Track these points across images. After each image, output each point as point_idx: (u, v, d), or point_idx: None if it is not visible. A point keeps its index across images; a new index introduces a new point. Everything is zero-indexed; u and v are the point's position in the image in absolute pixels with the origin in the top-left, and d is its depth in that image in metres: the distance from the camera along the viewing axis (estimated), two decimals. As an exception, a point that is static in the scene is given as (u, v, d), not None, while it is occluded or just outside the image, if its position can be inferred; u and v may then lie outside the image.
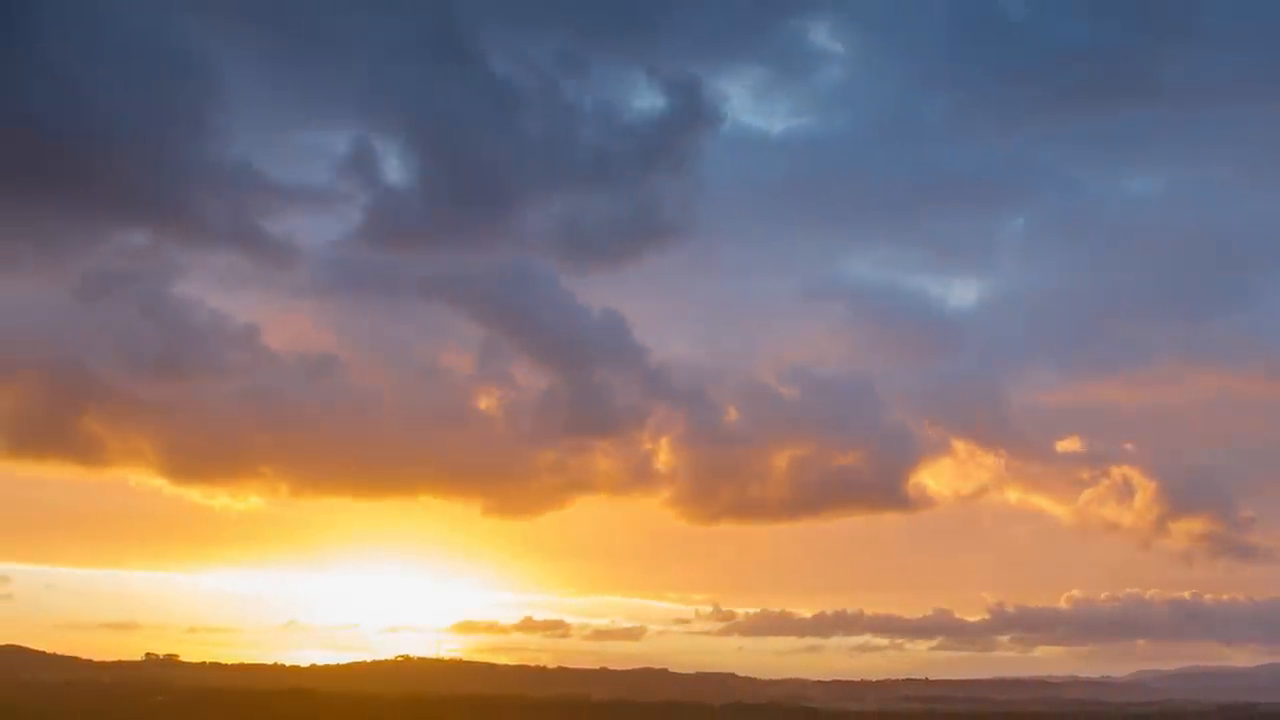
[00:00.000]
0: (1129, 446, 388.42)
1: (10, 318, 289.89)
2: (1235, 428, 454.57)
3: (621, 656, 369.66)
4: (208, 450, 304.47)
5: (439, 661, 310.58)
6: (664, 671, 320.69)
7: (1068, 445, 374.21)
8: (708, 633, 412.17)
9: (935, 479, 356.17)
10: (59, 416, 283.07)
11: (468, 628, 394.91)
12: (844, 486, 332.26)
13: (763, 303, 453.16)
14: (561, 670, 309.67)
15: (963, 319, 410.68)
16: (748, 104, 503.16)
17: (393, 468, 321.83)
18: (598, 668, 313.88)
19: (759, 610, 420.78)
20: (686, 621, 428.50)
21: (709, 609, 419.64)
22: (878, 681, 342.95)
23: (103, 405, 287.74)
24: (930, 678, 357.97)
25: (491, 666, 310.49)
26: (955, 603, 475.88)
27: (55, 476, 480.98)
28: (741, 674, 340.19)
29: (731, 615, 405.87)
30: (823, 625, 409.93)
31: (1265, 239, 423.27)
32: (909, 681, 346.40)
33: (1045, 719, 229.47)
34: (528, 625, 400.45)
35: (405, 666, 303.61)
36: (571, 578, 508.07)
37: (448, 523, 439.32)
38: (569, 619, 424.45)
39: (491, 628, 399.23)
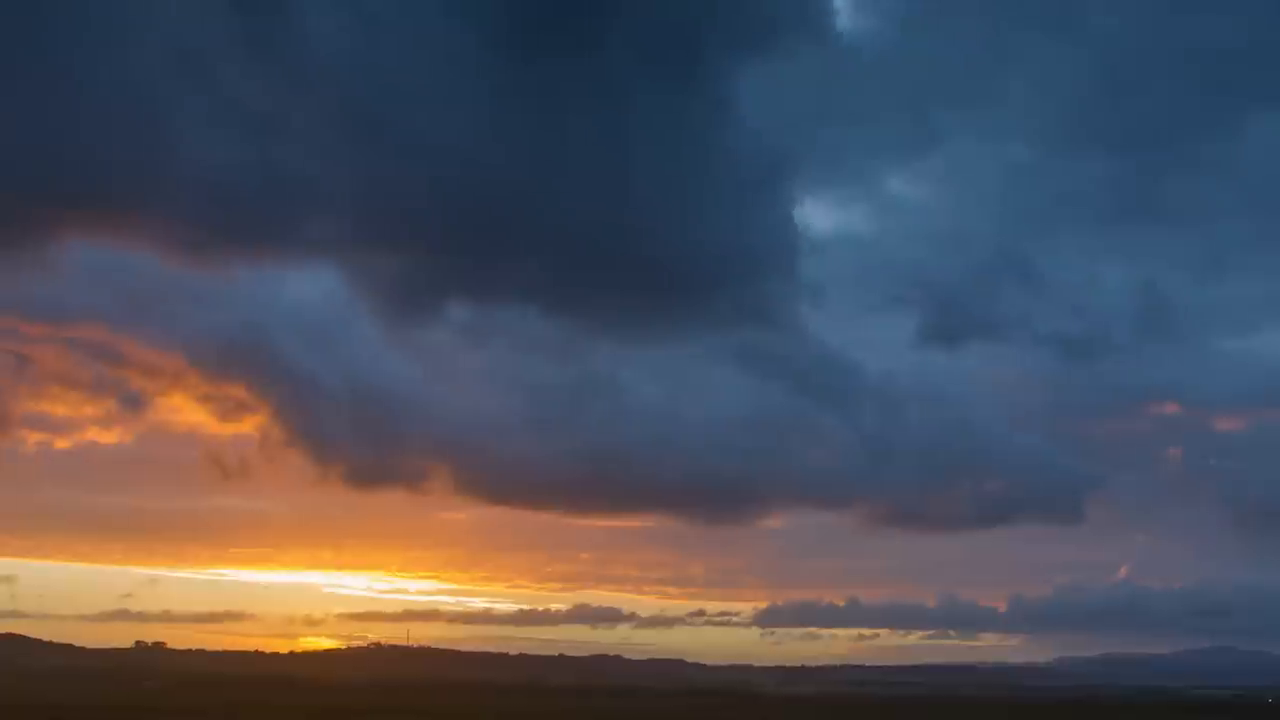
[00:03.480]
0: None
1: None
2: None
3: (627, 648, 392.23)
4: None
5: (407, 649, 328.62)
6: (618, 658, 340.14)
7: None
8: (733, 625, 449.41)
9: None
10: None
11: (524, 616, 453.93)
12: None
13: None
14: (523, 657, 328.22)
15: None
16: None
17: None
18: (556, 655, 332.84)
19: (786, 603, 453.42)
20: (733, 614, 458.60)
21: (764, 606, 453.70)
22: (818, 668, 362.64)
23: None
24: (866, 664, 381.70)
25: (457, 653, 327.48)
26: (972, 595, 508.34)
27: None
28: (690, 660, 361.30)
29: (762, 610, 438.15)
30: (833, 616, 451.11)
31: (1211, 316, 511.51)
32: (847, 668, 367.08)
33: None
34: (580, 614, 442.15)
35: (376, 653, 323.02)
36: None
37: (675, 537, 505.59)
38: (624, 611, 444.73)
39: (547, 615, 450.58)
